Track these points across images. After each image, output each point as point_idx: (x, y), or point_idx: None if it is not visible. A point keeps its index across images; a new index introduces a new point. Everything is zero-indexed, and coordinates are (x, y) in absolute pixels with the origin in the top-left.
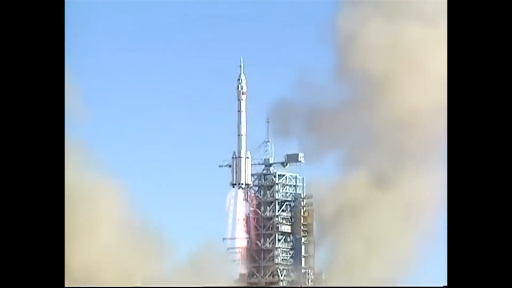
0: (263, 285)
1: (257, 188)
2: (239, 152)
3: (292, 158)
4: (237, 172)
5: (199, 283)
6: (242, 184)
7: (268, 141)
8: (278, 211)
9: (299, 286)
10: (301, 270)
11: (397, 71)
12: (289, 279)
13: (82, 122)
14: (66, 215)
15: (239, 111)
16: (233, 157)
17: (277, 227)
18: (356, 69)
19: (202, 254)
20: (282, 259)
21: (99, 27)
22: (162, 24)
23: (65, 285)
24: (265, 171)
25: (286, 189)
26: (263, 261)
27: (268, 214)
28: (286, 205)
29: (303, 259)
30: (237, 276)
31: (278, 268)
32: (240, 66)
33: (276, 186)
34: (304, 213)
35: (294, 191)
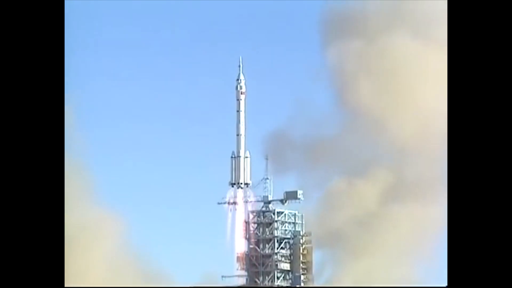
0: None
1: (256, 225)
2: (238, 152)
3: (291, 196)
4: (236, 171)
5: None
6: (241, 183)
7: (267, 178)
8: (277, 248)
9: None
10: None
11: (393, 105)
12: None
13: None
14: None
15: (238, 111)
16: (232, 157)
17: (276, 265)
18: (353, 102)
19: None
20: None
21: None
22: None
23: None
24: (264, 208)
25: (285, 227)
26: None
27: (267, 252)
28: (285, 242)
29: None
30: None
31: None
32: (239, 66)
33: (275, 224)
34: (303, 251)
35: (293, 229)
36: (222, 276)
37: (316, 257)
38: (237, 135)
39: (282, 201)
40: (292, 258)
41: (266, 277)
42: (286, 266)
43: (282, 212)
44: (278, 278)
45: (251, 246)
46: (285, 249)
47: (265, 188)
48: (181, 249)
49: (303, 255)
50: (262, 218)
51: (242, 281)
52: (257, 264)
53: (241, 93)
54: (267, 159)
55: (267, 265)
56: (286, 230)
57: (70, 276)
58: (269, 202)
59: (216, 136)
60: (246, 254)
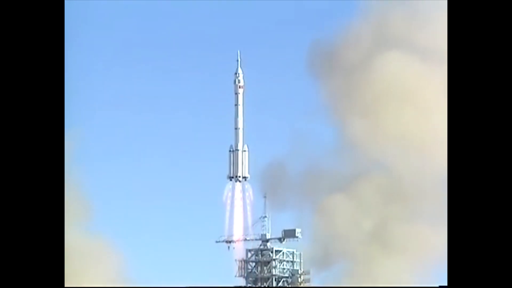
0: None
1: (254, 264)
2: (236, 145)
3: (289, 234)
4: (234, 165)
5: None
6: (240, 177)
7: (265, 216)
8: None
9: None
10: None
11: (389, 139)
12: None
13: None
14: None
15: (236, 105)
16: (230, 150)
17: None
18: (355, 141)
19: None
20: None
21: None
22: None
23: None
24: (262, 247)
25: (283, 265)
26: None
27: None
28: (284, 281)
29: None
30: None
31: None
32: (237, 61)
33: (273, 262)
34: None
35: (292, 267)
36: None
37: None
38: (235, 128)
39: (280, 239)
40: None
41: None
42: None
43: (281, 251)
44: None
45: (249, 285)
46: None
47: (263, 226)
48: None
49: None
50: (260, 256)
51: None
52: None
53: (239, 87)
54: (265, 197)
55: None
56: (284, 268)
57: None
58: (267, 241)
59: (214, 129)
60: None
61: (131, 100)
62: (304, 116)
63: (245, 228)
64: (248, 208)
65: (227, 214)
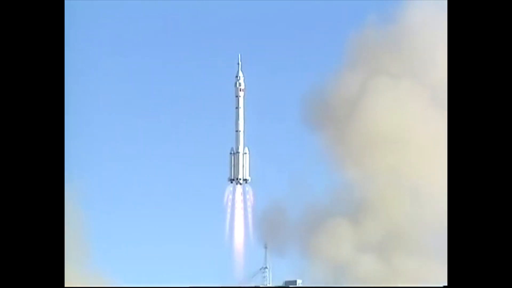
0: None
1: None
2: (237, 148)
3: (290, 285)
4: (235, 167)
5: None
6: (240, 179)
7: (266, 267)
8: None
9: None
10: None
11: (391, 190)
12: None
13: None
14: None
15: (237, 107)
16: (231, 153)
17: None
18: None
19: None
20: None
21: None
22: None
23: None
24: None
25: None
26: None
27: None
28: None
29: None
30: None
31: None
32: (238, 64)
33: None
34: None
35: None
36: None
37: None
38: (236, 131)
39: None
40: None
41: None
42: None
43: None
44: None
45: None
46: None
47: (264, 277)
48: None
49: None
50: None
51: None
52: None
53: (240, 90)
54: (266, 247)
55: None
56: None
57: None
58: None
59: (215, 132)
60: None
61: (132, 103)
62: (303, 160)
63: (246, 277)
64: (249, 209)
65: (228, 216)
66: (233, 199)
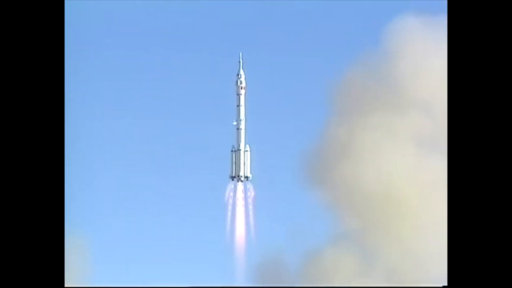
0: None
1: None
2: (238, 146)
3: None
4: (236, 165)
5: None
6: (241, 176)
7: None
8: None
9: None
10: None
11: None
12: None
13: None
14: None
15: (238, 105)
16: (232, 151)
17: None
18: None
19: None
20: None
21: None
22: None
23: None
24: None
25: None
26: None
27: None
28: None
29: None
30: None
31: None
32: (239, 62)
33: None
34: None
35: None
36: None
37: None
38: (237, 129)
39: None
40: None
41: None
42: None
43: None
44: None
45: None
46: None
47: None
48: None
49: None
50: None
51: None
52: None
53: (241, 88)
54: None
55: None
56: None
57: None
58: None
59: (216, 130)
60: None
61: (131, 101)
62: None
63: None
64: (250, 206)
65: (229, 213)
66: (234, 196)
